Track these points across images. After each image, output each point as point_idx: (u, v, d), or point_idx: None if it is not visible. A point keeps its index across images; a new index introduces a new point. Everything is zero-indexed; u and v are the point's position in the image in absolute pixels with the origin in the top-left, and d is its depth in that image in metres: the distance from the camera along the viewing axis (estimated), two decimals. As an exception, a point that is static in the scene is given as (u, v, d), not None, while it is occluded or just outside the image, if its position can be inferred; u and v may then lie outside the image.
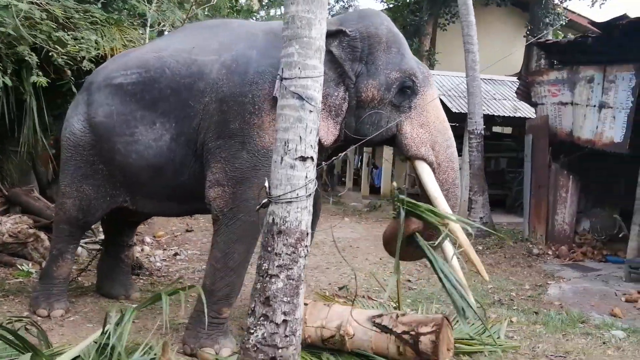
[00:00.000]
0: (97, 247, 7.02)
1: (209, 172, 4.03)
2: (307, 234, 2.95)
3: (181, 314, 4.42)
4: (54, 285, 4.82)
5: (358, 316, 4.08)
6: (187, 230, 9.00)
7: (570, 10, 15.03)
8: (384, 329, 3.96)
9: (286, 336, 2.89)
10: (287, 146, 2.88)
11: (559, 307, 5.81)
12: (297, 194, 2.88)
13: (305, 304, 3.95)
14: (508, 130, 14.31)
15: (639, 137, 7.37)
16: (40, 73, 5.17)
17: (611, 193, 8.66)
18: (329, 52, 3.70)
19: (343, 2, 20.46)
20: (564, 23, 14.27)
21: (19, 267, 6.06)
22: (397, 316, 4.05)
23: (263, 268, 2.91)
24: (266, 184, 2.94)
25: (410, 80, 4.01)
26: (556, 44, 8.50)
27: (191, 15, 6.68)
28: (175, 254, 7.40)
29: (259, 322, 2.89)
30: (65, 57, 5.43)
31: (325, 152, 4.12)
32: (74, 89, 6.16)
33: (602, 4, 14.90)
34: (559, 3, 14.69)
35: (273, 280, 2.88)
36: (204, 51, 4.18)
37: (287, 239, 2.87)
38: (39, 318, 4.49)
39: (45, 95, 6.05)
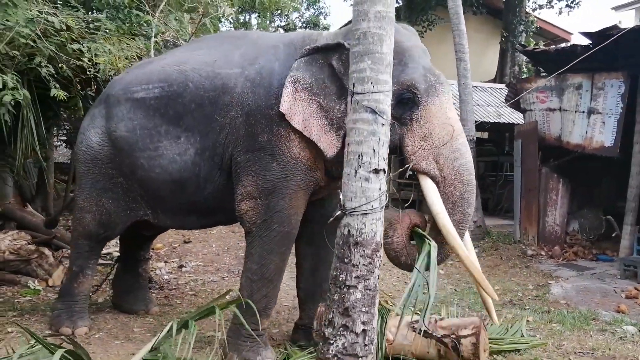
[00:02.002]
0: (102, 261, 6.95)
1: (239, 186, 4.04)
2: (381, 244, 3.03)
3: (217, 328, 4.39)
4: (76, 303, 4.73)
5: (395, 322, 4.16)
6: (185, 242, 8.91)
7: (540, 19, 15.54)
8: (425, 334, 4.05)
9: (365, 345, 2.96)
10: (361, 159, 2.96)
11: (566, 306, 6.03)
12: (372, 206, 2.96)
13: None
14: (485, 135, 14.67)
15: (625, 141, 7.70)
16: (58, 86, 5.08)
17: (596, 194, 9.02)
18: (330, 66, 3.80)
19: (314, 9, 20.66)
20: (534, 30, 14.73)
21: (25, 285, 5.92)
22: (436, 320, 4.16)
23: (340, 279, 2.97)
24: (340, 197, 3.00)
25: (410, 92, 3.71)
26: (545, 53, 8.81)
27: (199, 26, 6.66)
28: (181, 266, 7.35)
29: (339, 333, 2.95)
30: (73, 69, 5.38)
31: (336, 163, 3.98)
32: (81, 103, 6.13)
33: (570, 11, 15.42)
34: (531, 12, 15.19)
35: (351, 291, 2.94)
36: (226, 64, 4.17)
37: (363, 250, 2.95)
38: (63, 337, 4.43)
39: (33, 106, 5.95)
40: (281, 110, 3.74)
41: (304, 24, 23.00)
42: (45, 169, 7.85)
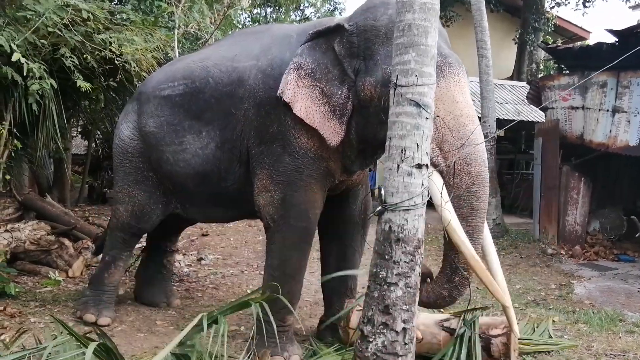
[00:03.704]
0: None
1: (255, 179, 4.02)
2: (422, 241, 2.96)
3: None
4: (104, 292, 4.79)
5: (423, 320, 4.11)
6: (203, 235, 8.91)
7: (558, 16, 15.39)
8: (454, 333, 3.99)
9: (405, 344, 2.90)
10: (404, 154, 2.89)
11: (591, 306, 5.93)
12: (415, 202, 2.89)
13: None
14: (500, 133, 14.56)
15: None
16: (82, 77, 5.05)
17: (616, 193, 8.91)
18: (332, 50, 3.70)
19: (330, 4, 20.55)
20: (552, 28, 14.59)
21: (46, 275, 5.90)
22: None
23: (380, 276, 2.91)
24: (382, 192, 2.93)
25: None
26: (569, 50, 8.70)
27: (224, 17, 6.59)
28: (200, 259, 7.32)
29: (379, 331, 2.89)
30: (96, 60, 5.33)
31: (345, 155, 3.97)
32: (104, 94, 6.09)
33: (585, 10, 15.26)
34: (549, 9, 15.04)
35: (392, 288, 2.88)
36: (244, 57, 4.16)
37: (405, 247, 2.88)
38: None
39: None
40: (284, 98, 3.66)
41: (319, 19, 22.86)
42: (65, 160, 7.83)
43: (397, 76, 2.94)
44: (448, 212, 3.17)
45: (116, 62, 5.27)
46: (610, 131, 7.88)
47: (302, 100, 3.69)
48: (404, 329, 2.89)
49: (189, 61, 4.56)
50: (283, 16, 21.74)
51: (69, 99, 6.63)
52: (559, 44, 10.69)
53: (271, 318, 3.52)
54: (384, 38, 3.55)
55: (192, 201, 4.59)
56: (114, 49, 5.14)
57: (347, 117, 3.73)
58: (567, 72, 8.99)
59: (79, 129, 10.89)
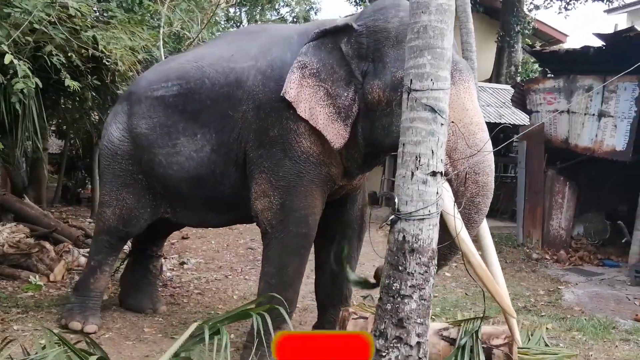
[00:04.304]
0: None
1: (253, 183, 3.91)
2: (436, 251, 2.86)
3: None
4: (90, 299, 4.65)
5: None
6: (183, 238, 8.72)
7: (538, 20, 15.50)
8: (454, 342, 3.91)
9: (420, 358, 2.80)
10: (419, 161, 2.78)
11: (581, 313, 5.91)
12: (429, 211, 2.78)
13: (359, 317, 3.81)
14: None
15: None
16: (69, 76, 4.84)
17: (599, 198, 8.94)
18: (339, 50, 3.62)
19: (306, 4, 20.39)
20: (531, 31, 14.68)
21: (26, 279, 5.69)
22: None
23: (394, 288, 2.80)
24: (395, 200, 2.82)
25: None
26: (554, 54, 8.70)
27: (212, 16, 6.42)
28: (182, 263, 7.14)
29: (392, 345, 2.78)
30: (82, 58, 5.13)
31: (351, 159, 3.87)
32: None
33: (567, 16, 15.43)
34: (528, 12, 15.14)
35: (406, 300, 2.78)
36: (242, 58, 4.05)
37: (420, 258, 2.77)
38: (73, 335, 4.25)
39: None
40: (287, 98, 3.56)
41: (295, 19, 22.71)
42: (43, 160, 7.58)
43: (411, 80, 2.82)
44: (459, 222, 3.06)
45: (106, 61, 5.07)
46: (597, 135, 7.89)
47: (306, 100, 3.59)
48: (418, 343, 2.79)
49: (182, 61, 4.41)
50: (258, 16, 21.52)
51: (48, 98, 6.43)
52: (545, 48, 10.72)
53: (270, 329, 3.38)
54: (395, 40, 3.48)
55: (184, 205, 4.45)
56: (102, 48, 4.93)
57: (352, 120, 3.64)
58: (552, 75, 8.99)
59: (52, 129, 10.62)
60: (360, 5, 15.70)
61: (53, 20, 4.58)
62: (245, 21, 21.52)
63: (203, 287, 6.24)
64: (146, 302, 5.11)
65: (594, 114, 7.93)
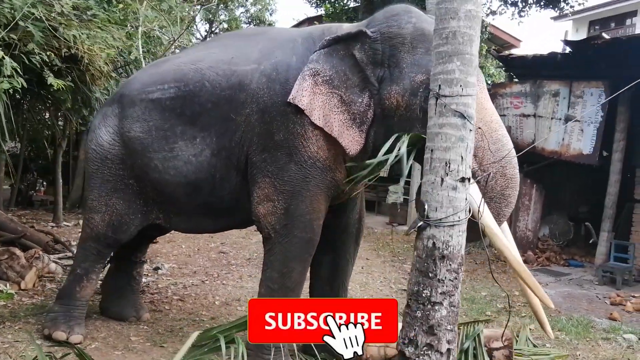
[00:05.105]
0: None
1: (256, 188, 3.83)
2: (465, 258, 2.85)
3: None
4: (76, 308, 4.43)
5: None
6: (153, 242, 8.44)
7: (493, 25, 15.83)
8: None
9: (450, 365, 2.77)
10: (449, 167, 2.77)
11: (558, 313, 6.06)
12: (459, 217, 2.78)
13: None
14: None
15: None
16: (52, 75, 4.62)
17: (562, 200, 9.22)
18: (352, 56, 3.61)
19: (261, 5, 20.20)
20: (487, 36, 14.96)
21: (-4, 288, 5.40)
22: (466, 332, 4.04)
23: (424, 295, 2.78)
24: (425, 206, 2.80)
25: None
26: (521, 59, 8.90)
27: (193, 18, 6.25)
28: (157, 268, 6.94)
29: (423, 352, 2.75)
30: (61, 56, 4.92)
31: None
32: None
33: (520, 22, 15.81)
34: (485, 17, 15.41)
35: (436, 307, 2.76)
36: (243, 61, 3.97)
37: (450, 264, 2.76)
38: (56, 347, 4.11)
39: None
40: (299, 105, 3.53)
41: (249, 20, 22.50)
42: (5, 162, 7.24)
43: (439, 85, 2.82)
44: (489, 219, 3.09)
45: (86, 61, 4.85)
46: (563, 139, 8.12)
47: (320, 108, 3.56)
48: (449, 350, 2.77)
49: (178, 63, 4.27)
50: (212, 17, 21.21)
51: (24, 98, 6.15)
52: (512, 53, 10.96)
53: None
54: (410, 46, 3.50)
55: (179, 211, 4.31)
56: (85, 47, 4.73)
57: (368, 126, 3.63)
58: (517, 80, 9.20)
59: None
60: (320, 7, 15.63)
61: (39, 16, 4.34)
62: (198, 21, 21.16)
63: (182, 293, 6.07)
64: (129, 309, 4.93)
65: (560, 118, 8.15)
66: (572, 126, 7.96)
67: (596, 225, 8.09)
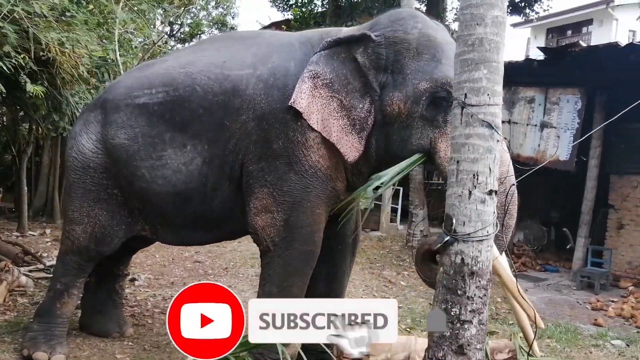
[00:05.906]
0: (43, 275, 6.15)
1: (253, 198, 3.67)
2: (492, 274, 2.76)
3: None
4: (57, 326, 4.19)
5: (423, 346, 3.92)
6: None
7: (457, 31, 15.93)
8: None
9: (479, 385, 2.66)
10: (477, 179, 2.66)
11: (542, 319, 6.05)
12: (488, 232, 2.67)
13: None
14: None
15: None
16: (29, 80, 4.34)
17: (533, 205, 9.29)
18: (353, 60, 3.52)
19: (223, 8, 19.86)
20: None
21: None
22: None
23: (452, 313, 2.66)
24: (453, 220, 2.68)
25: (444, 90, 3.31)
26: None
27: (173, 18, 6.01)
28: (133, 280, 6.65)
29: (453, 373, 2.63)
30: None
31: (357, 173, 3.76)
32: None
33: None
34: (452, 21, 15.57)
35: (466, 326, 2.65)
36: (237, 65, 3.81)
37: (479, 281, 2.66)
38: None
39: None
40: (297, 108, 3.41)
41: (211, 23, 22.16)
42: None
43: (465, 94, 2.71)
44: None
45: (58, 65, 4.58)
46: (539, 145, 8.16)
47: (319, 111, 3.45)
48: (479, 370, 2.66)
49: (166, 66, 4.06)
50: (181, 19, 20.80)
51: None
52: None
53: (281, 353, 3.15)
54: (415, 52, 3.42)
55: (166, 222, 4.10)
56: (59, 49, 4.45)
57: (368, 132, 3.51)
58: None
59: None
60: (287, 11, 15.46)
61: (17, 17, 4.07)
62: (158, 23, 20.72)
63: (162, 305, 5.83)
64: (112, 325, 4.70)
65: (536, 125, 8.19)
66: (548, 132, 8.01)
67: (570, 230, 8.15)
